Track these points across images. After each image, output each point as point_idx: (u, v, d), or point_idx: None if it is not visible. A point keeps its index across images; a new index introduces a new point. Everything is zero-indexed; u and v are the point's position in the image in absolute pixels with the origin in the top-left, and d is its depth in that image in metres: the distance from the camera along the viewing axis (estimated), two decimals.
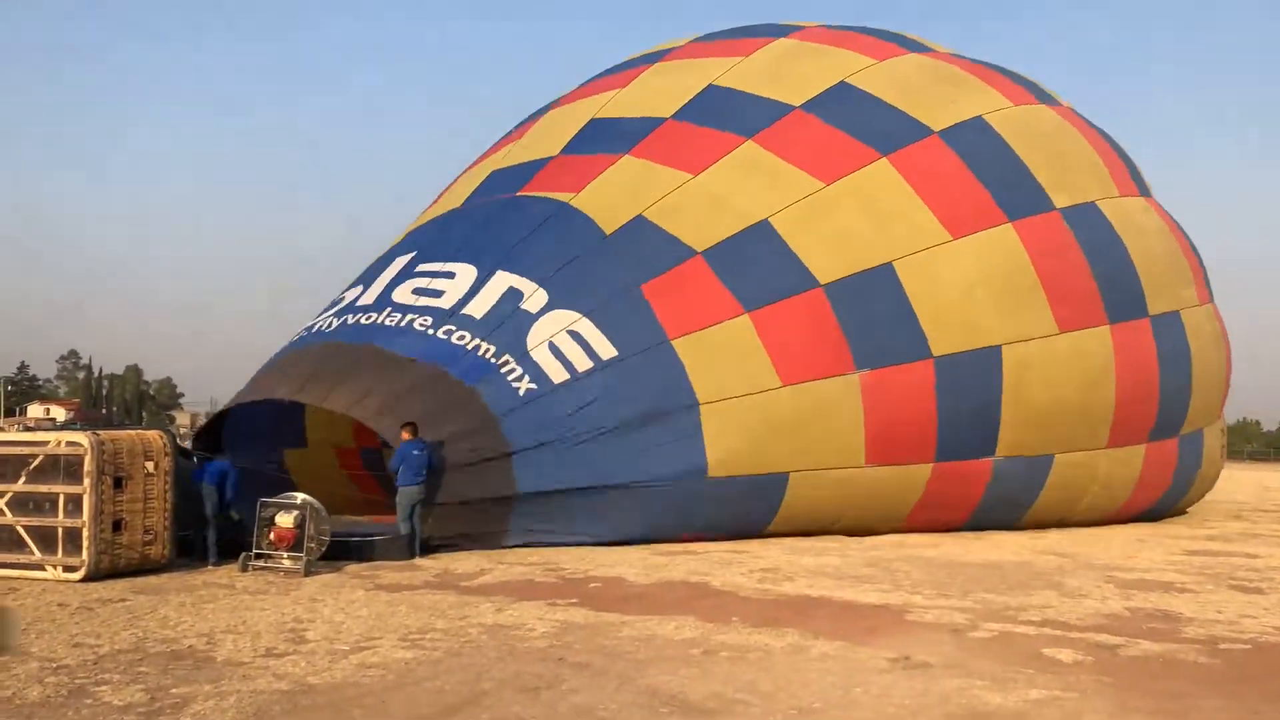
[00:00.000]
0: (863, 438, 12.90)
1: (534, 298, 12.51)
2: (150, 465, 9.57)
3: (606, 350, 12.16)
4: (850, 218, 13.50)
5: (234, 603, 8.12)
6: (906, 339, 13.15)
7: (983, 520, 14.32)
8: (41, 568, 9.13)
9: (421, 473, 10.97)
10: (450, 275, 13.02)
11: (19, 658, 6.16)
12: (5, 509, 9.28)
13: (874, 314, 13.09)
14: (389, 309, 12.83)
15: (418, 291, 12.97)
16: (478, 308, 12.49)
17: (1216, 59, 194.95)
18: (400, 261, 13.77)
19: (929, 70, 15.50)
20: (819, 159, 13.83)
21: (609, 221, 13.23)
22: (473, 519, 11.44)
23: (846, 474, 12.97)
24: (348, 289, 14.17)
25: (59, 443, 9.26)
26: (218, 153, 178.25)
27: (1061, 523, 15.16)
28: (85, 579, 8.96)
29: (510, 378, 11.84)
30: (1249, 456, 78.57)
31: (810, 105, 14.35)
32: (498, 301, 12.51)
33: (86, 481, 9.03)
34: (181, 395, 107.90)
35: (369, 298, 13.27)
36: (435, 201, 16.16)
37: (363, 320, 12.84)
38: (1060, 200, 14.58)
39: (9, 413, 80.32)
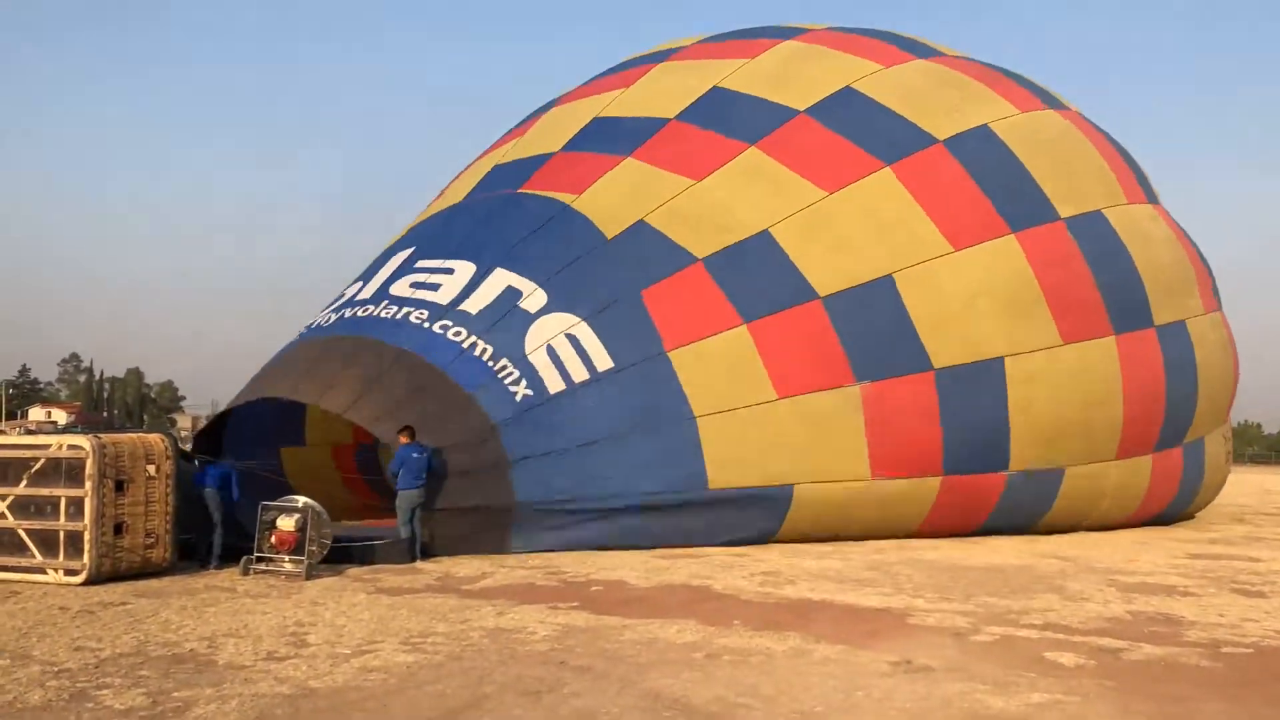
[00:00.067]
0: (865, 450, 12.82)
1: (533, 297, 12.49)
2: (152, 468, 9.58)
3: (603, 361, 12.12)
4: (851, 228, 13.42)
5: (235, 606, 8.12)
6: (906, 351, 13.06)
7: (994, 529, 14.29)
8: (43, 571, 9.13)
9: (421, 476, 10.97)
10: (449, 271, 13.02)
11: (20, 661, 6.17)
12: (7, 512, 9.29)
13: (873, 326, 13.01)
14: (386, 301, 12.84)
15: (416, 286, 12.97)
16: (475, 303, 12.48)
17: (1216, 58, 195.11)
18: (400, 257, 13.77)
19: (935, 76, 15.38)
20: (822, 167, 13.76)
21: (610, 225, 13.21)
22: (472, 526, 11.44)
23: (853, 486, 12.91)
24: (348, 285, 14.18)
25: (61, 446, 9.27)
26: (218, 153, 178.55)
27: (1072, 529, 15.12)
28: (86, 582, 8.97)
29: (507, 382, 11.81)
30: (1250, 459, 78.56)
31: (814, 110, 14.27)
32: (496, 299, 12.49)
33: (88, 485, 9.04)
34: (183, 398, 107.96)
35: (367, 292, 13.29)
36: (438, 197, 16.10)
37: (359, 314, 12.85)
38: (1065, 210, 14.47)
39: (10, 416, 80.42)
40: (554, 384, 11.92)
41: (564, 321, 12.28)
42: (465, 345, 12.03)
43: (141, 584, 9.14)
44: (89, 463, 9.04)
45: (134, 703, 5.30)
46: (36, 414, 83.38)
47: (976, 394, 13.34)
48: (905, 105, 14.51)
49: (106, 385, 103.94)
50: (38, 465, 9.23)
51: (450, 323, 12.27)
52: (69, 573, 9.04)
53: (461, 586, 9.28)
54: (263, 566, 9.78)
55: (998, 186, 14.13)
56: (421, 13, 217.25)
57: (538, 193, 13.86)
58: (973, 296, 13.47)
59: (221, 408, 13.87)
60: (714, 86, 14.72)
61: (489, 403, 11.67)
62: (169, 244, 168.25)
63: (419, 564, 10.73)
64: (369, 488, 14.49)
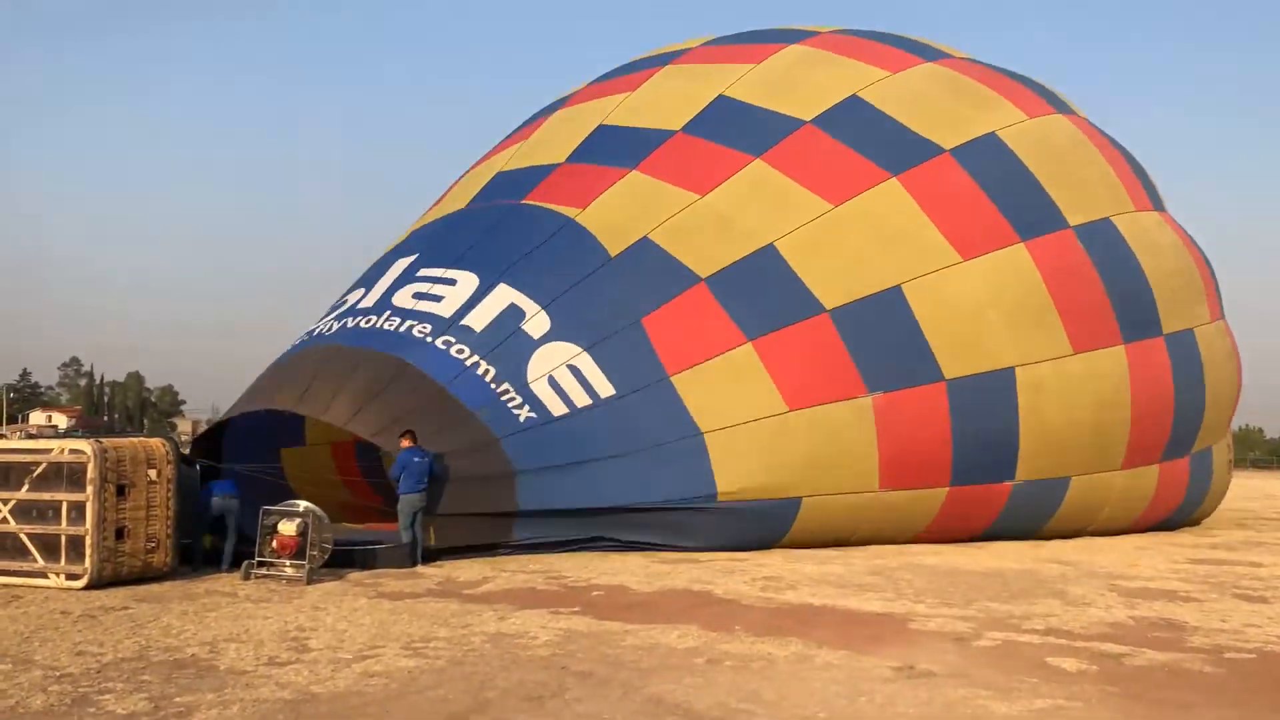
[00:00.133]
0: (876, 461, 12.79)
1: (535, 320, 12.44)
2: (153, 473, 9.58)
3: (605, 389, 12.11)
4: (858, 240, 13.34)
5: (236, 611, 8.12)
6: (917, 362, 13.01)
7: (996, 535, 14.26)
8: (44, 575, 9.13)
9: (423, 480, 10.97)
10: (451, 282, 12.98)
11: (22, 666, 6.17)
12: (8, 516, 9.29)
13: (883, 337, 12.96)
14: (388, 312, 12.81)
15: (418, 296, 12.93)
16: (478, 319, 12.43)
17: (1216, 55, 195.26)
18: (402, 264, 13.72)
19: (943, 82, 15.26)
20: (828, 179, 13.67)
21: (615, 242, 13.14)
22: (475, 531, 11.43)
23: (860, 498, 12.89)
24: (349, 291, 14.14)
25: (62, 450, 9.27)
26: (218, 155, 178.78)
27: (1075, 535, 15.10)
28: (88, 587, 8.97)
29: (510, 406, 11.81)
30: (1252, 464, 78.48)
31: (820, 120, 14.19)
32: (498, 316, 12.45)
33: (90, 489, 9.04)
34: (183, 402, 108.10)
35: (369, 300, 13.25)
36: (439, 200, 16.01)
37: (362, 323, 12.82)
38: (1074, 218, 14.39)
39: (11, 419, 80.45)
40: (556, 408, 11.92)
41: (566, 352, 12.23)
42: (468, 364, 12.01)
43: (142, 589, 9.14)
44: (90, 467, 9.04)
45: (136, 708, 5.30)
46: (37, 418, 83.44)
47: (988, 404, 13.29)
48: (912, 113, 14.42)
49: (107, 389, 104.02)
50: (39, 469, 9.23)
51: (453, 339, 12.23)
52: (70, 577, 9.04)
53: (463, 591, 9.28)
54: (264, 571, 9.78)
55: (1006, 195, 14.05)
56: (422, 9, 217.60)
57: (542, 204, 13.81)
58: (983, 306, 13.40)
59: (222, 412, 13.85)
60: (719, 95, 14.63)
61: (491, 420, 11.66)
62: (171, 247, 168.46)
63: (420, 568, 10.72)
64: (371, 489, 14.45)
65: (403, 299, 12.96)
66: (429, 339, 12.25)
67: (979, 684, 6.07)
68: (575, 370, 12.16)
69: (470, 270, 13.04)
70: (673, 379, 12.29)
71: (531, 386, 11.98)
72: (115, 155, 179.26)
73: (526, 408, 11.82)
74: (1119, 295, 14.38)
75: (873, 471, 12.83)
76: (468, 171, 16.41)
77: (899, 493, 13.08)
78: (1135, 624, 8.13)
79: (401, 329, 12.46)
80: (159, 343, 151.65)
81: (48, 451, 9.35)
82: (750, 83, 14.83)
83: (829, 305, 12.91)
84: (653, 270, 12.93)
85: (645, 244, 13.12)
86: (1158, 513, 16.09)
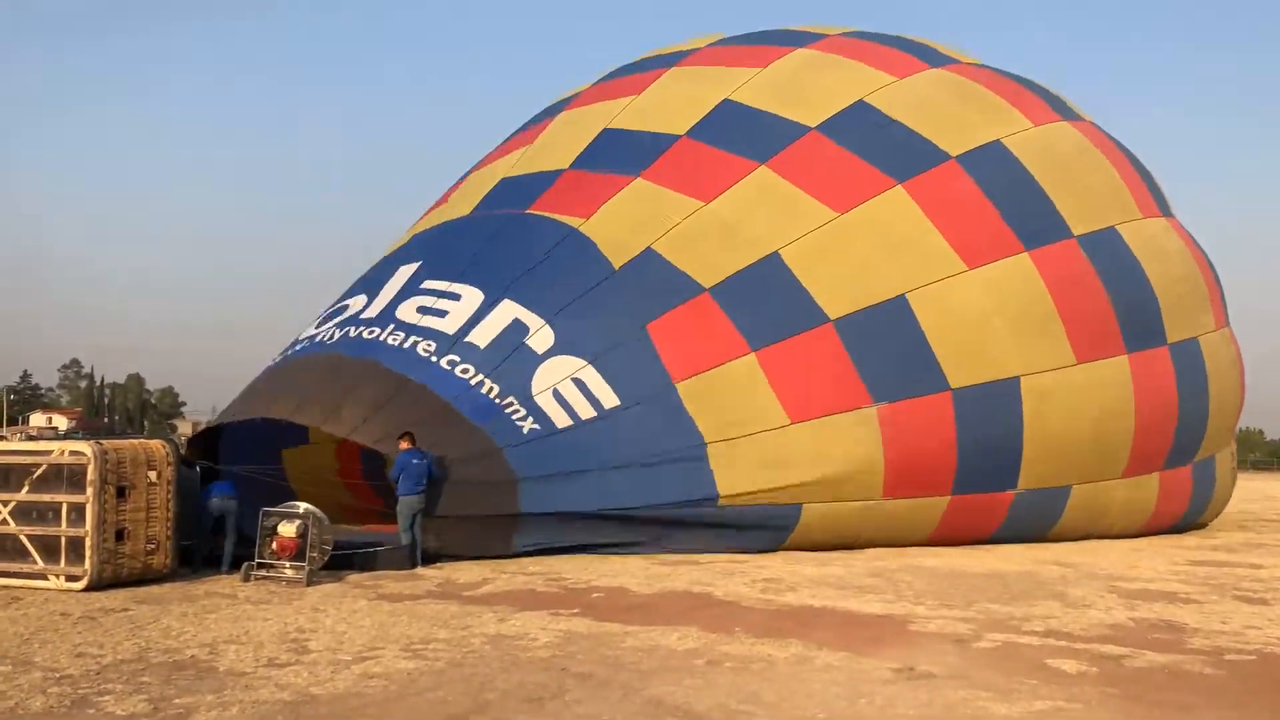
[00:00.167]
0: (882, 470, 12.75)
1: (540, 335, 12.40)
2: (153, 475, 9.58)
3: (610, 400, 12.08)
4: (863, 249, 13.27)
5: (236, 612, 8.12)
6: (923, 371, 12.96)
7: (998, 541, 14.22)
8: (44, 577, 9.13)
9: (422, 482, 10.97)
10: (455, 296, 12.92)
11: (22, 667, 6.16)
12: (8, 518, 9.29)
13: (888, 347, 12.91)
14: (392, 325, 12.73)
15: (423, 310, 12.88)
16: (482, 336, 12.39)
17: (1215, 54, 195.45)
18: (406, 272, 13.66)
19: (950, 88, 15.16)
20: (833, 186, 13.60)
21: (618, 254, 13.10)
22: (475, 533, 11.42)
23: (862, 506, 12.86)
24: (350, 295, 14.05)
25: (63, 452, 9.27)
26: (218, 155, 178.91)
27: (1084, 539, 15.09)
28: (88, 588, 8.97)
29: (515, 418, 11.79)
30: (1253, 465, 78.45)
31: (826, 127, 14.11)
32: (502, 332, 12.41)
33: (90, 491, 9.04)
34: (184, 404, 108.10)
35: (373, 310, 13.17)
36: (441, 201, 15.88)
37: (365, 334, 12.75)
38: (1079, 227, 14.32)
39: (11, 421, 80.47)
40: (561, 420, 11.89)
41: (571, 365, 12.21)
42: (473, 382, 11.99)
43: (142, 590, 9.15)
44: (90, 469, 9.05)
45: (135, 709, 5.30)
46: (37, 419, 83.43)
47: (993, 413, 13.24)
48: (918, 120, 14.33)
49: (107, 391, 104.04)
50: (39, 471, 9.23)
51: (458, 358, 12.19)
52: (70, 579, 9.04)
53: (462, 593, 9.27)
54: (263, 573, 9.78)
55: (1011, 203, 13.98)
56: (422, 9, 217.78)
57: (546, 214, 13.74)
58: (988, 315, 13.34)
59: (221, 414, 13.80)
60: (725, 99, 14.55)
61: (495, 431, 11.64)
62: (171, 250, 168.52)
63: (420, 570, 10.72)
64: (372, 491, 14.44)
65: (407, 312, 12.91)
66: (433, 358, 12.20)
67: (979, 686, 6.07)
68: (580, 383, 12.15)
69: (474, 285, 13.00)
70: (677, 386, 12.28)
71: (536, 399, 11.96)
72: (115, 156, 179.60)
73: (530, 420, 11.80)
74: (1123, 305, 14.30)
75: (877, 480, 12.79)
76: (471, 172, 16.29)
77: (901, 501, 13.04)
78: (1135, 626, 8.13)
79: (406, 345, 12.40)
80: (159, 344, 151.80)
81: (48, 453, 9.35)
82: (756, 87, 14.74)
83: (833, 315, 12.85)
84: (656, 281, 12.90)
85: (649, 255, 13.08)
86: (1161, 521, 16.05)
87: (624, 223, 13.41)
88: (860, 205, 13.51)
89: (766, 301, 12.84)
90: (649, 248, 13.13)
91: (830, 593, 9.55)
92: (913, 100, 14.64)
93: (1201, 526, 17.86)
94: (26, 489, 9.24)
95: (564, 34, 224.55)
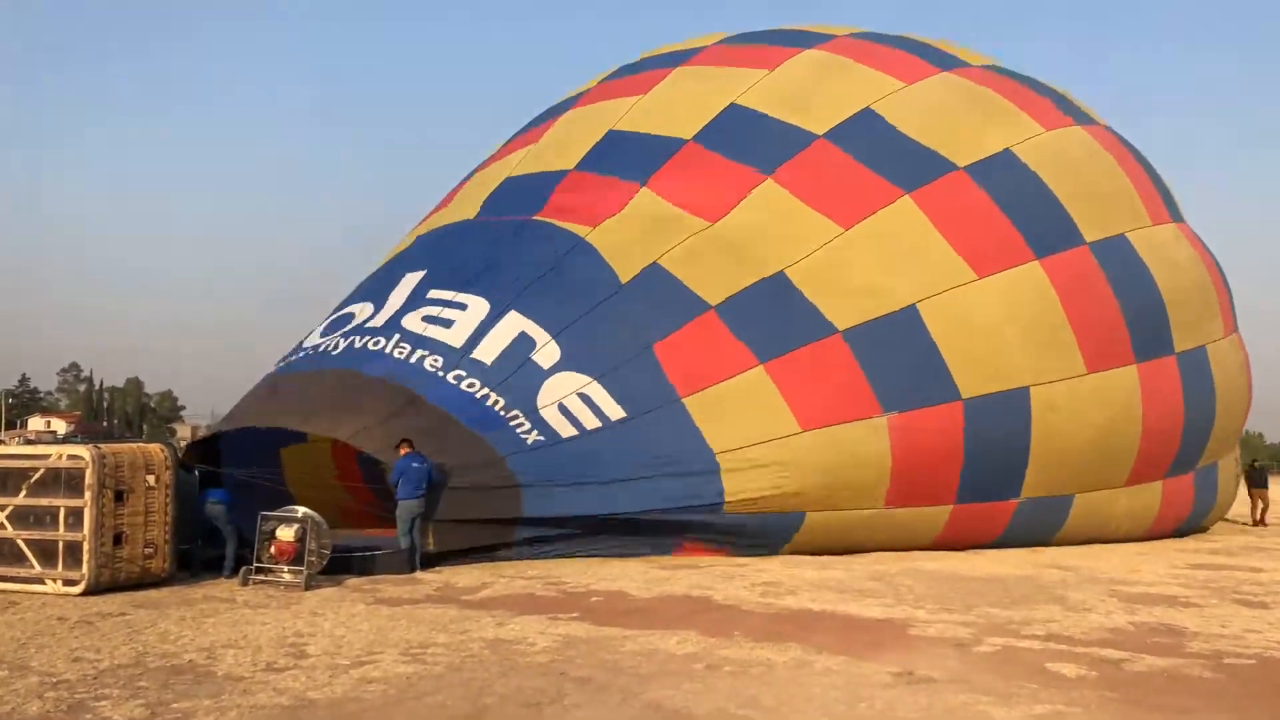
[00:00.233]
0: (888, 480, 12.71)
1: (546, 350, 12.37)
2: (151, 479, 9.56)
3: (616, 412, 12.05)
4: (870, 262, 13.18)
5: (234, 617, 8.10)
6: (934, 381, 12.90)
7: (999, 546, 14.23)
8: (42, 581, 9.11)
9: (421, 486, 10.95)
10: (462, 307, 12.89)
11: (19, 672, 6.15)
12: (6, 522, 9.27)
13: (898, 356, 12.84)
14: (398, 336, 12.68)
15: (428, 320, 12.84)
16: (488, 351, 12.35)
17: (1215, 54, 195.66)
18: (411, 280, 13.59)
19: (960, 93, 15.02)
20: (840, 199, 13.49)
21: (625, 268, 13.05)
22: (477, 536, 11.40)
23: (864, 514, 12.83)
24: (355, 301, 13.98)
25: (60, 456, 9.26)
26: (217, 160, 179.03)
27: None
28: (85, 593, 8.95)
29: (519, 430, 11.75)
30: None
31: (833, 135, 13.99)
32: (508, 347, 12.38)
33: (87, 495, 9.03)
34: (183, 408, 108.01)
35: (379, 320, 13.11)
36: (447, 200, 15.77)
37: (370, 345, 12.69)
38: (1090, 234, 14.24)
39: (10, 425, 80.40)
40: (566, 431, 11.87)
41: (576, 381, 12.18)
42: (478, 396, 11.97)
43: (140, 594, 9.12)
44: (88, 473, 9.03)
45: (132, 714, 5.28)
46: (36, 423, 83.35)
47: (1003, 422, 13.19)
48: (927, 127, 14.21)
49: (106, 395, 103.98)
50: (37, 475, 9.22)
51: (464, 373, 12.15)
52: (68, 583, 9.02)
53: (461, 597, 9.25)
54: (262, 577, 9.76)
55: (1021, 211, 13.88)
56: (423, 9, 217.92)
57: (553, 222, 13.68)
58: (999, 324, 13.28)
59: (221, 417, 13.75)
60: (732, 103, 14.45)
61: (498, 441, 11.61)
62: (170, 254, 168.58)
63: (419, 574, 10.70)
64: (371, 492, 14.39)
65: (413, 322, 12.86)
66: (440, 372, 12.18)
67: (979, 690, 6.05)
68: (585, 398, 12.12)
69: (481, 295, 12.96)
70: (684, 401, 12.22)
71: (541, 413, 11.92)
72: (115, 157, 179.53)
73: (535, 431, 11.76)
74: (1133, 313, 14.22)
75: (882, 490, 12.76)
76: (477, 171, 16.16)
77: (904, 510, 13.00)
78: (1135, 629, 8.12)
79: (413, 359, 12.35)
80: (159, 348, 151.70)
81: (46, 457, 9.34)
82: (763, 90, 14.61)
83: (842, 326, 12.78)
84: (663, 298, 12.85)
85: (655, 270, 13.04)
86: (1164, 526, 16.05)
87: (630, 235, 13.35)
88: (868, 218, 13.42)
89: (774, 317, 12.80)
90: (655, 263, 13.10)
91: (830, 596, 9.53)
92: (921, 107, 14.50)
93: (1203, 531, 17.85)
94: (24, 493, 9.23)
95: (564, 32, 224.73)
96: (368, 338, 12.84)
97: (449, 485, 11.20)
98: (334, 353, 12.92)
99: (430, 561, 11.12)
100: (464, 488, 11.26)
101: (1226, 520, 19.77)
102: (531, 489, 11.43)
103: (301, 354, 13.51)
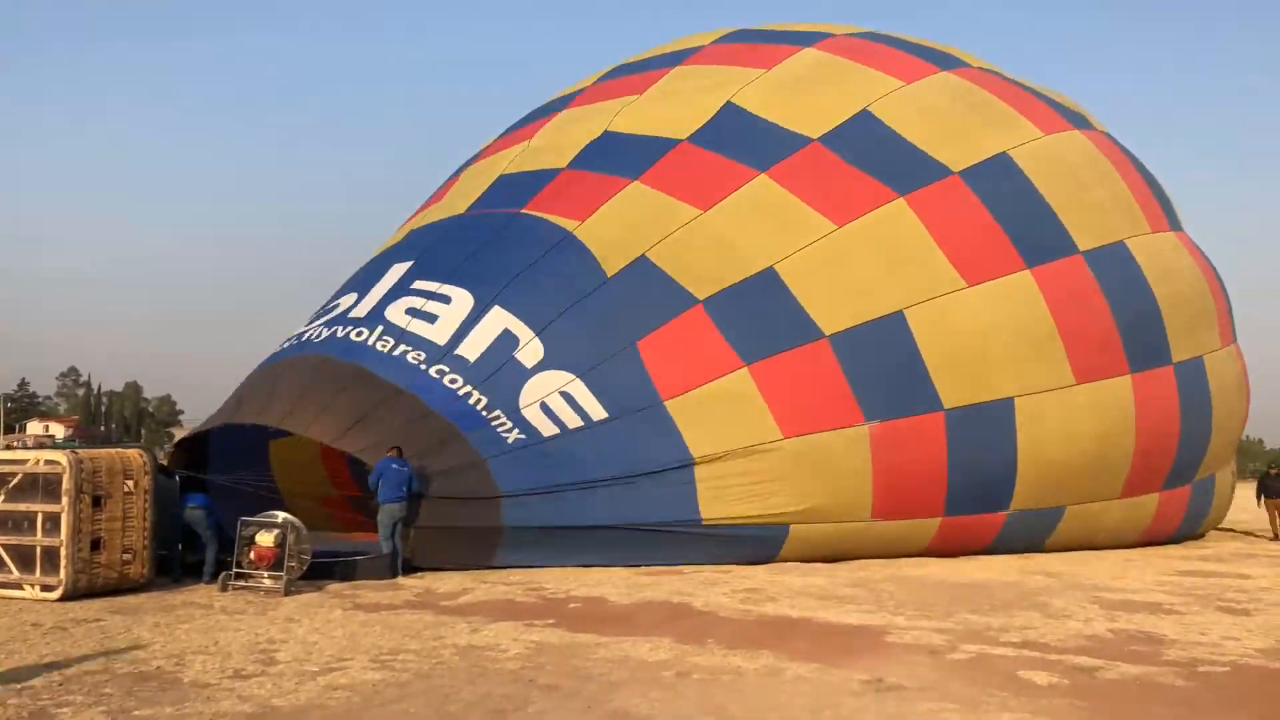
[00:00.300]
0: (870, 491, 12.60)
1: (529, 347, 12.28)
2: (130, 484, 9.54)
3: (598, 412, 11.96)
4: (861, 264, 13.03)
5: (209, 623, 8.07)
6: (916, 390, 12.75)
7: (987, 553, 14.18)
8: (19, 587, 9.09)
9: (402, 489, 10.90)
10: (446, 299, 12.80)
11: None
12: None
13: (882, 364, 12.69)
14: (381, 329, 12.62)
15: (411, 313, 12.76)
16: (471, 348, 12.27)
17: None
18: (397, 270, 13.52)
19: (958, 95, 14.87)
20: (833, 198, 13.34)
21: (612, 261, 12.92)
22: (458, 545, 11.36)
23: (850, 527, 12.73)
24: (341, 293, 13.94)
25: (38, 461, 9.24)
26: (216, 162, 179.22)
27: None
28: (63, 598, 8.93)
29: (500, 430, 11.68)
30: (1251, 474, 78.17)
31: (828, 138, 13.85)
32: (492, 344, 12.29)
33: (64, 500, 9.00)
34: (181, 412, 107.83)
35: (362, 310, 13.06)
36: (439, 195, 15.70)
37: (353, 336, 12.65)
38: (1085, 242, 14.06)
39: (8, 429, 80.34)
40: (547, 430, 11.79)
41: (559, 379, 12.09)
42: (460, 393, 11.90)
43: (118, 600, 9.09)
44: (65, 478, 9.01)
45: None
46: (34, 428, 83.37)
47: (986, 435, 13.04)
48: (923, 130, 14.07)
49: (104, 399, 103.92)
50: (15, 480, 9.20)
51: (446, 368, 12.09)
52: (45, 589, 8.99)
53: (440, 603, 9.22)
54: (242, 583, 9.74)
55: (1015, 218, 13.72)
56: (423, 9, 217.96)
57: (541, 215, 13.58)
58: (985, 334, 13.11)
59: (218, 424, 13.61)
60: (728, 102, 14.33)
61: (480, 442, 11.54)
62: (170, 257, 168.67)
63: (401, 580, 10.67)
64: (355, 485, 14.31)
65: (396, 314, 12.78)
66: (423, 367, 12.12)
67: (947, 698, 6.02)
68: (568, 396, 12.04)
69: (464, 287, 12.86)
70: (666, 404, 12.11)
71: (523, 411, 11.86)
72: (115, 158, 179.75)
73: (516, 430, 11.69)
74: (1127, 323, 14.05)
75: (865, 501, 12.65)
76: (469, 165, 16.07)
77: (891, 523, 12.91)
78: (1114, 637, 8.07)
79: (395, 352, 12.29)
80: (158, 353, 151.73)
81: (23, 462, 9.32)
82: (760, 90, 14.48)
83: (828, 330, 12.65)
84: (649, 291, 12.72)
85: (643, 263, 12.91)
86: (1155, 536, 15.98)
87: (619, 227, 13.20)
88: (860, 218, 13.25)
89: (760, 316, 12.64)
90: (643, 255, 12.95)
91: (810, 603, 9.49)
92: (918, 108, 14.35)
93: (1198, 537, 17.77)
94: (2, 499, 9.21)
95: (565, 32, 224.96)
96: (350, 328, 12.78)
97: (430, 494, 11.15)
98: (315, 341, 12.90)
99: (414, 567, 11.08)
100: (444, 497, 11.21)
101: (1233, 532, 19.53)
102: (511, 500, 11.36)
103: (288, 343, 13.50)
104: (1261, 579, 12.37)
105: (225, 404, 13.29)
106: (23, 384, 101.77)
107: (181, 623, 8.05)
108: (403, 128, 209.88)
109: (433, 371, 12.09)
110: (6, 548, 9.17)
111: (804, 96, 14.41)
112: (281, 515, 10.04)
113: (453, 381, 12.01)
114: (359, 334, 12.66)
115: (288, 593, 9.52)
